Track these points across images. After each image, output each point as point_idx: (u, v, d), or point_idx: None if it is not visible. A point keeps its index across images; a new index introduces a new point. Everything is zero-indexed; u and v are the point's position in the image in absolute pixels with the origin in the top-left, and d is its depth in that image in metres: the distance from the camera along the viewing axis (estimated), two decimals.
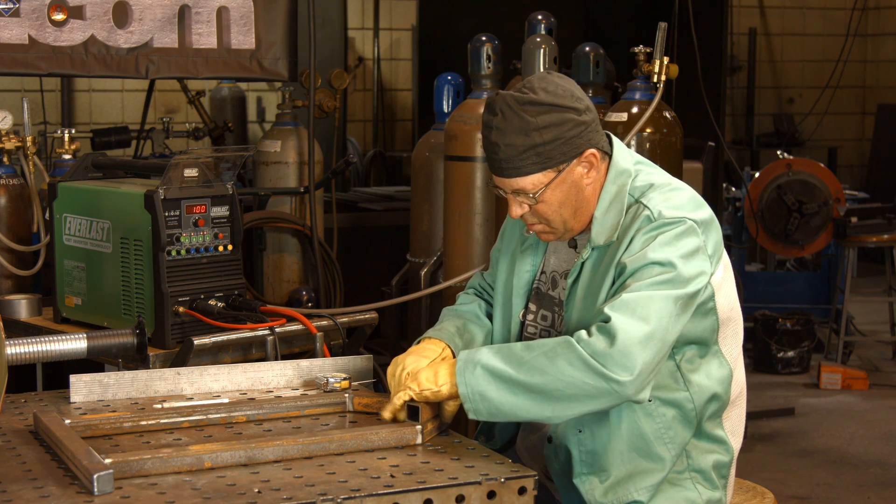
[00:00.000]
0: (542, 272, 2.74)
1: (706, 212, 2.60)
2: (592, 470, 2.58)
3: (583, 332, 2.45)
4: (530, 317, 2.75)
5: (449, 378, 2.51)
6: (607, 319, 2.43)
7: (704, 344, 2.61)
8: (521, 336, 2.76)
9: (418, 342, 2.76)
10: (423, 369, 2.55)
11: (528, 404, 2.46)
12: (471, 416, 2.50)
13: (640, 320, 2.42)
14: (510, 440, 2.83)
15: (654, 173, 2.65)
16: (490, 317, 2.86)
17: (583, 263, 2.61)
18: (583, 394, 2.42)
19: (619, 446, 2.57)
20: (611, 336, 2.41)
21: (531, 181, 2.53)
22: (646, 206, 2.54)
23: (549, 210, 2.57)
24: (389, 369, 2.67)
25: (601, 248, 2.59)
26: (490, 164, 2.56)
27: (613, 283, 2.54)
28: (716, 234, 2.60)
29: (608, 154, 2.62)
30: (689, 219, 2.53)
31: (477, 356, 2.49)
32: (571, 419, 2.53)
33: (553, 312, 2.71)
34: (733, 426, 2.70)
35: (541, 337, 2.72)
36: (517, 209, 2.59)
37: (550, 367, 2.42)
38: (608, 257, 2.57)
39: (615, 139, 2.65)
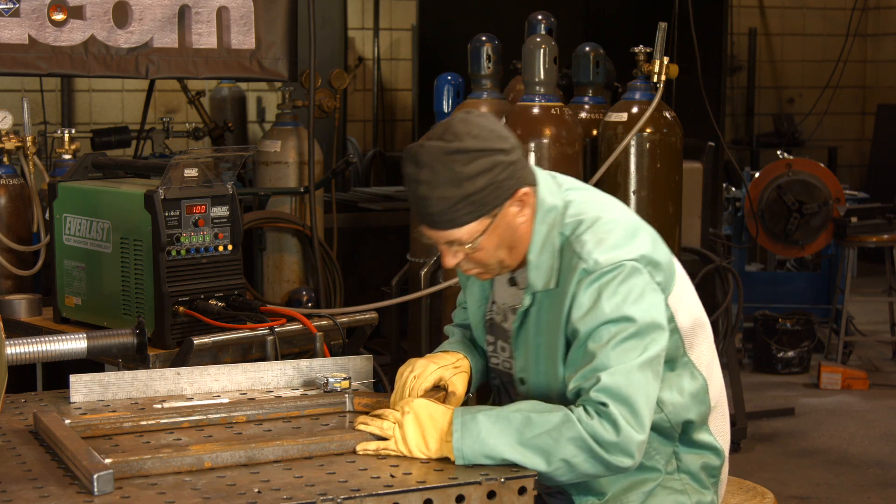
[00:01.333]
0: (494, 302, 2.70)
1: (643, 238, 2.53)
2: (589, 492, 2.57)
3: (582, 412, 2.38)
4: (490, 348, 2.71)
5: (438, 443, 2.39)
6: (604, 404, 2.37)
7: (671, 361, 2.57)
8: (487, 364, 2.74)
9: (437, 351, 2.74)
10: (412, 429, 2.40)
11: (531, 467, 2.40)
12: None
13: (634, 402, 2.38)
14: None
15: (583, 203, 2.55)
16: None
17: (526, 311, 2.56)
18: (581, 474, 2.41)
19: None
20: (615, 425, 2.36)
21: (466, 231, 2.43)
22: (580, 257, 2.46)
23: (486, 255, 2.49)
24: (401, 368, 2.66)
25: (541, 292, 2.52)
26: (420, 217, 2.46)
27: (567, 340, 2.48)
28: (660, 255, 2.53)
29: (535, 184, 2.52)
30: (627, 260, 2.45)
31: (475, 428, 2.38)
32: None
33: (509, 344, 2.66)
34: (718, 428, 2.68)
35: (504, 368, 2.69)
36: (451, 259, 2.50)
37: (554, 448, 2.36)
38: (552, 307, 2.50)
39: (538, 170, 2.55)
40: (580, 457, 2.37)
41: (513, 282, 2.64)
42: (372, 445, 2.42)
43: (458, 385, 2.64)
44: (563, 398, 2.49)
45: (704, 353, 2.64)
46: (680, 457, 2.62)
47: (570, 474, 2.39)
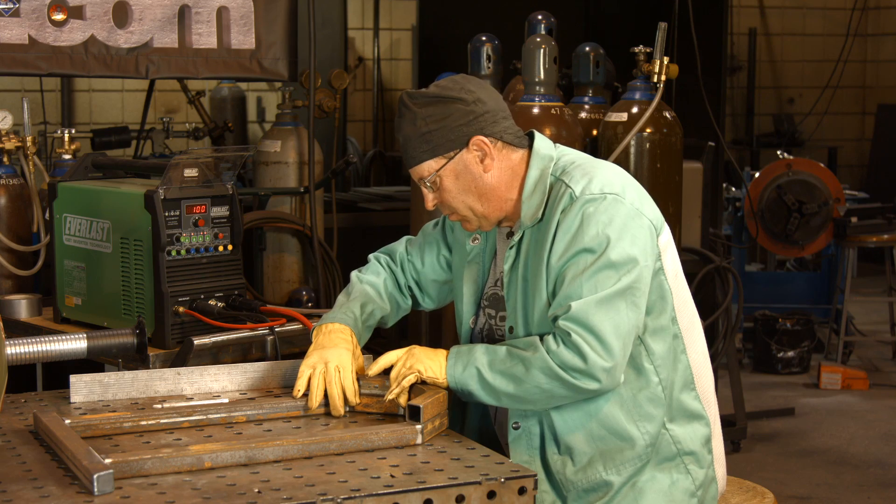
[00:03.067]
0: (497, 278, 2.79)
1: (632, 186, 2.66)
2: (561, 450, 2.63)
3: (551, 341, 2.55)
4: (491, 321, 2.80)
5: (438, 365, 2.66)
6: (568, 333, 2.52)
7: (656, 305, 2.65)
8: (472, 338, 2.86)
9: (319, 327, 2.83)
10: (426, 357, 2.66)
11: (507, 402, 2.63)
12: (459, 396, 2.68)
13: (599, 330, 2.51)
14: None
15: (577, 155, 2.73)
16: (395, 294, 2.98)
17: (517, 248, 2.69)
18: (557, 399, 2.58)
19: (588, 427, 2.62)
20: (580, 353, 2.52)
21: (426, 168, 2.66)
22: (567, 185, 2.62)
23: (452, 198, 2.68)
24: (307, 372, 2.72)
25: (531, 230, 2.67)
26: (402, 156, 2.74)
27: (548, 269, 2.61)
28: (648, 204, 2.66)
29: (521, 148, 2.70)
30: (611, 193, 2.59)
31: (467, 357, 2.63)
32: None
33: (501, 310, 2.79)
34: (705, 395, 2.72)
35: (498, 336, 2.80)
36: (429, 199, 2.71)
37: (527, 377, 2.55)
38: (539, 239, 2.65)
39: (537, 133, 2.75)
40: (550, 383, 2.53)
41: (510, 234, 2.76)
42: (395, 389, 2.63)
43: (359, 356, 2.80)
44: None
45: (682, 317, 2.70)
46: (677, 437, 2.63)
47: (542, 399, 2.57)
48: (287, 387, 2.90)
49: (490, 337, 2.80)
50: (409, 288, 3.00)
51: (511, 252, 2.69)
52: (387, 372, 2.71)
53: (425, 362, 2.65)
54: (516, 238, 2.69)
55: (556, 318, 2.56)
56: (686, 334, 2.69)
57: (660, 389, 2.62)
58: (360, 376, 2.74)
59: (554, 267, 2.60)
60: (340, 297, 2.94)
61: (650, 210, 2.66)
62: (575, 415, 2.62)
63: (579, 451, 2.61)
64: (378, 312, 2.93)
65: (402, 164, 9.25)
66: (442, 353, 2.67)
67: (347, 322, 2.84)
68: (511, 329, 2.70)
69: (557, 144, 2.77)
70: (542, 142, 2.74)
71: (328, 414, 2.70)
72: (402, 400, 2.63)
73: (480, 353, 2.61)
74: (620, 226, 2.56)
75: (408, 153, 2.68)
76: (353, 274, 2.98)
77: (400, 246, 3.03)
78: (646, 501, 2.61)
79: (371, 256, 3.02)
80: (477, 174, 2.66)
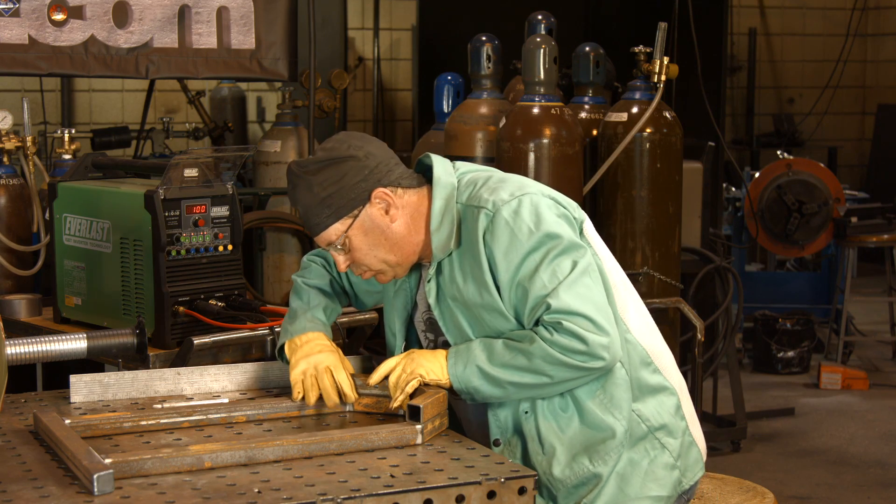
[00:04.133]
0: (428, 304, 2.78)
1: (535, 184, 2.69)
2: (545, 450, 2.63)
3: (545, 332, 2.55)
4: (431, 345, 2.81)
5: (439, 368, 2.65)
6: (559, 322, 2.54)
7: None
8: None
9: (292, 340, 2.80)
10: (426, 360, 2.64)
11: (514, 393, 2.62)
12: (463, 397, 2.66)
13: (585, 312, 2.54)
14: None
15: (476, 172, 2.74)
16: (339, 296, 2.96)
17: (436, 280, 2.70)
18: (566, 383, 2.59)
19: (568, 426, 2.63)
20: (578, 336, 2.53)
21: (333, 231, 2.66)
22: (479, 207, 2.63)
23: (363, 256, 2.68)
24: (304, 380, 2.73)
25: (447, 259, 2.68)
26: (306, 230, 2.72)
27: (494, 280, 2.61)
28: (559, 197, 2.68)
29: (415, 187, 2.70)
30: (519, 194, 2.61)
31: (466, 355, 2.62)
32: (515, 402, 2.66)
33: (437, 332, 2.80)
34: (663, 364, 2.73)
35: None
36: (341, 262, 2.71)
37: (531, 367, 2.56)
38: (465, 264, 2.65)
39: (434, 157, 2.74)
40: (554, 370, 2.55)
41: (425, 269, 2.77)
42: (401, 396, 2.61)
43: (348, 364, 2.80)
44: None
45: (629, 302, 2.73)
46: (643, 415, 2.65)
47: (550, 386, 2.58)
48: (287, 387, 2.90)
49: None
50: (345, 291, 2.99)
51: (431, 285, 2.70)
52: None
53: (426, 365, 2.64)
54: (432, 271, 2.70)
55: (538, 320, 2.58)
56: (623, 314, 2.70)
57: (623, 373, 2.65)
58: (358, 376, 2.75)
59: (508, 283, 2.60)
60: (296, 304, 2.90)
61: (564, 198, 2.69)
62: (553, 417, 2.63)
63: (562, 449, 2.62)
64: (334, 315, 2.94)
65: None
66: (441, 353, 2.66)
67: (319, 329, 2.84)
68: None
69: (454, 163, 2.77)
70: (440, 168, 2.73)
71: (328, 414, 2.70)
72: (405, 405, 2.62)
73: (478, 349, 2.62)
74: (546, 217, 2.59)
75: (311, 221, 2.67)
76: (297, 279, 2.95)
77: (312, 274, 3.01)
78: (630, 486, 2.63)
79: (306, 259, 3.00)
80: (384, 226, 2.67)
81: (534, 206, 2.60)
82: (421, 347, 2.82)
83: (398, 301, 2.83)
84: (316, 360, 2.74)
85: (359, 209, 2.65)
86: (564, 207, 2.66)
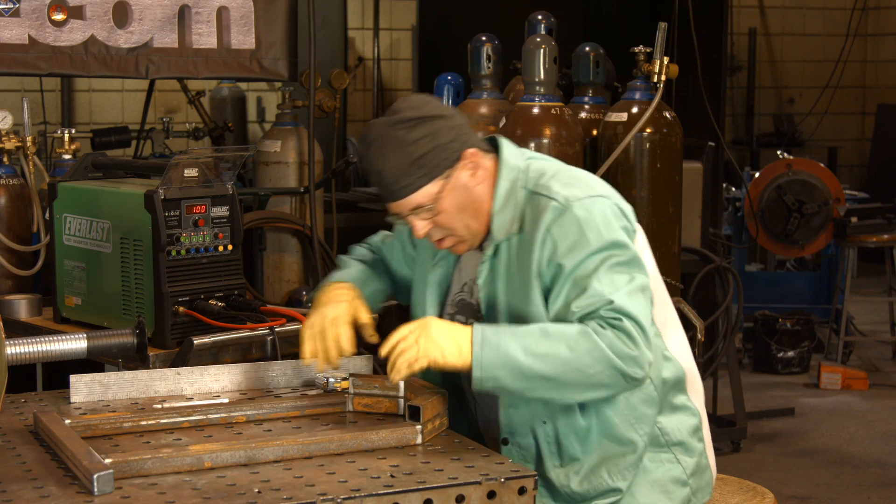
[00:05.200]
0: (465, 283, 2.74)
1: (606, 187, 2.66)
2: (563, 461, 2.59)
3: (598, 326, 2.44)
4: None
5: (457, 349, 2.48)
6: (619, 319, 2.44)
7: None
8: None
9: (318, 290, 2.80)
10: (444, 338, 2.49)
11: (538, 388, 2.47)
12: (473, 387, 2.50)
13: (641, 321, 2.45)
14: None
15: (545, 162, 2.68)
16: (384, 275, 2.93)
17: (491, 262, 2.63)
18: (597, 385, 2.46)
19: (587, 434, 2.59)
20: (632, 340, 2.43)
21: (424, 194, 2.55)
22: (549, 198, 2.56)
23: (450, 219, 2.59)
24: (305, 332, 2.70)
25: (506, 243, 2.61)
26: (381, 193, 2.58)
27: (541, 280, 2.54)
28: (625, 204, 2.66)
29: (491, 152, 2.64)
30: (595, 195, 2.57)
31: (493, 339, 2.45)
32: (532, 406, 2.58)
33: (478, 320, 2.70)
34: (693, 387, 2.72)
35: None
36: (421, 227, 2.60)
37: (571, 358, 2.42)
38: (519, 251, 2.58)
39: (503, 139, 2.68)
40: (597, 367, 2.42)
41: (480, 248, 2.69)
42: (404, 367, 2.48)
43: (364, 315, 2.75)
44: None
45: (668, 319, 2.72)
46: (664, 429, 2.63)
47: (583, 384, 2.44)
48: (287, 387, 2.90)
49: None
50: (387, 271, 2.96)
51: (484, 267, 2.63)
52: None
53: (443, 346, 2.47)
54: (489, 252, 2.62)
55: (592, 312, 2.46)
56: (663, 331, 2.68)
57: (651, 388, 2.61)
58: (359, 376, 2.74)
59: (564, 276, 2.50)
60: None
61: (626, 205, 2.67)
62: (572, 427, 2.59)
63: (581, 461, 2.58)
64: (372, 282, 2.87)
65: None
66: (463, 332, 2.48)
67: (344, 278, 2.81)
68: None
69: (524, 150, 2.71)
70: (509, 150, 2.66)
71: (328, 414, 2.70)
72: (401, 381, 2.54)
73: (509, 335, 2.45)
74: (615, 225, 2.54)
75: (399, 183, 2.53)
76: (342, 257, 2.95)
77: (377, 237, 3.01)
78: (641, 493, 2.61)
79: (353, 246, 2.99)
80: (471, 187, 2.59)
81: (605, 211, 2.55)
82: None
83: (434, 276, 2.76)
84: (324, 312, 2.69)
85: (450, 170, 2.56)
86: (628, 220, 2.62)
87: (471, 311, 2.72)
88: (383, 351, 2.55)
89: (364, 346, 2.90)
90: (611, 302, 2.45)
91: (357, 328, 2.75)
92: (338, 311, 2.71)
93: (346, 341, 2.68)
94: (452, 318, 2.74)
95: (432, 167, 2.53)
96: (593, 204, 2.55)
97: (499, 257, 2.62)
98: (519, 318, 2.57)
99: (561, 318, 2.50)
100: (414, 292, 2.84)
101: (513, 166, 2.62)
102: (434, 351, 2.48)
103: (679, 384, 2.68)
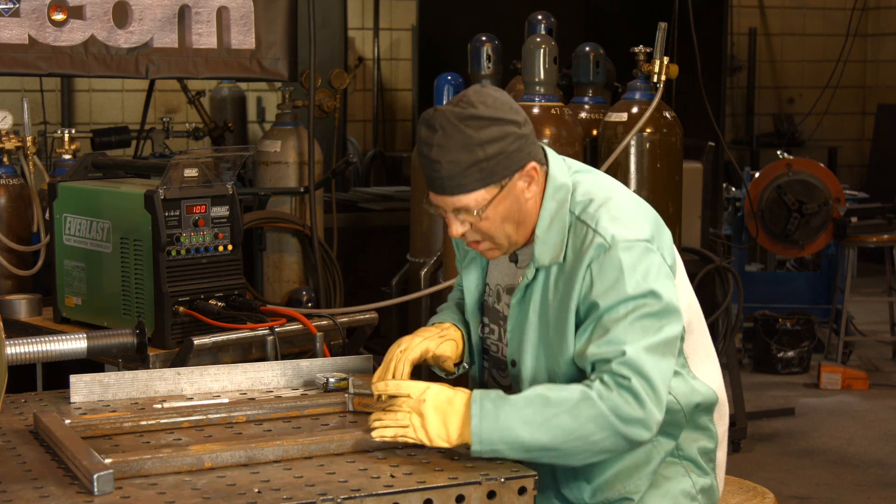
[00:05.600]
0: (487, 285, 2.71)
1: (651, 217, 2.55)
2: (577, 478, 2.56)
3: (601, 387, 2.37)
4: (485, 331, 2.72)
5: (459, 429, 2.39)
6: (627, 377, 2.36)
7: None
8: (483, 350, 2.74)
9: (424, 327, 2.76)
10: (438, 419, 2.40)
11: (540, 457, 2.40)
12: (472, 456, 2.40)
13: (654, 380, 2.38)
14: None
15: (593, 184, 2.57)
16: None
17: (528, 285, 2.55)
18: (601, 451, 2.41)
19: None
20: (639, 401, 2.36)
21: (474, 198, 2.44)
22: (595, 231, 2.46)
23: (493, 226, 2.49)
24: (391, 347, 2.67)
25: (546, 268, 2.52)
26: (430, 182, 2.47)
27: (578, 316, 2.47)
28: (666, 237, 2.55)
29: (545, 165, 2.55)
30: (643, 240, 2.46)
31: (493, 411, 2.37)
32: None
33: (499, 326, 2.67)
34: (720, 412, 2.70)
35: (494, 351, 2.70)
36: (458, 228, 2.50)
37: (573, 427, 2.36)
38: (560, 282, 2.50)
39: (549, 150, 2.58)
40: (600, 434, 2.36)
41: (513, 258, 2.63)
42: (389, 432, 2.41)
43: (447, 350, 2.66)
44: (559, 380, 2.49)
45: (699, 346, 2.65)
46: (679, 444, 2.62)
47: (586, 452, 2.39)
48: (287, 387, 2.90)
49: (493, 348, 2.71)
50: None
51: (521, 288, 2.56)
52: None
53: (432, 430, 2.38)
54: (530, 275, 2.53)
55: (596, 363, 2.41)
56: (694, 357, 2.62)
57: (681, 416, 2.57)
58: (359, 376, 2.74)
59: (593, 318, 2.44)
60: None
61: (667, 237, 2.56)
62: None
63: (596, 473, 2.55)
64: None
65: (402, 165, 9.27)
66: (456, 413, 2.39)
67: (445, 319, 2.74)
68: (514, 363, 2.60)
69: (566, 160, 2.61)
70: (556, 166, 2.55)
71: (328, 414, 2.70)
72: (377, 434, 2.43)
73: (510, 406, 2.36)
74: (656, 273, 2.44)
75: (453, 180, 2.42)
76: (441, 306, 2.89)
77: (451, 298, 2.92)
78: (650, 501, 2.60)
79: (449, 296, 2.91)
80: (522, 201, 2.49)
81: (648, 259, 2.44)
82: (481, 328, 2.69)
83: (470, 276, 2.70)
84: (402, 340, 2.65)
85: (507, 179, 2.44)
86: (669, 253, 2.53)
87: (494, 315, 2.68)
88: (378, 390, 2.49)
89: (365, 347, 2.89)
90: (623, 354, 2.37)
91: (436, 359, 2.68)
92: (410, 342, 2.64)
93: (388, 371, 2.62)
94: (482, 320, 2.71)
95: (490, 173, 2.42)
96: (636, 250, 2.44)
97: (537, 282, 2.54)
98: (547, 344, 2.52)
99: (580, 356, 2.45)
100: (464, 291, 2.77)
101: (560, 185, 2.53)
102: (422, 435, 2.39)
103: (709, 409, 2.64)
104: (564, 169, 2.57)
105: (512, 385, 2.63)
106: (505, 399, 2.38)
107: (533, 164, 2.47)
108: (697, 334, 2.66)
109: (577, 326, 2.48)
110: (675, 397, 2.56)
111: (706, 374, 2.66)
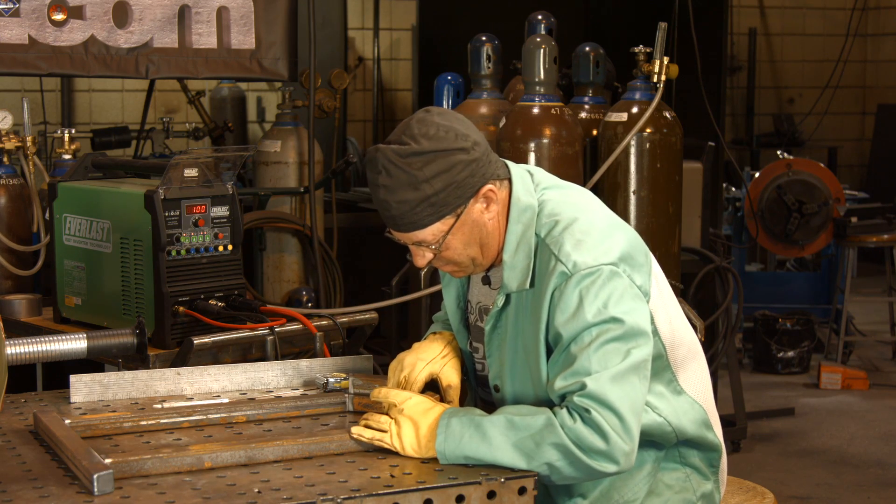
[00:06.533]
0: (469, 302, 2.68)
1: (621, 237, 2.48)
2: (572, 495, 2.54)
3: (566, 416, 2.34)
4: (471, 347, 2.70)
5: (427, 443, 2.39)
6: (587, 410, 2.33)
7: (655, 367, 2.52)
8: (474, 366, 2.71)
9: (425, 337, 2.74)
10: (407, 425, 2.41)
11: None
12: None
13: (619, 409, 2.33)
14: None
15: (561, 203, 2.51)
16: None
17: (500, 312, 2.52)
18: (566, 477, 2.38)
19: None
20: (601, 433, 2.32)
21: (430, 232, 2.42)
22: (557, 259, 2.42)
23: (455, 254, 2.47)
24: (391, 366, 2.66)
25: (515, 293, 2.50)
26: (385, 220, 2.44)
27: (547, 344, 2.44)
28: (638, 256, 2.48)
29: (507, 179, 2.49)
30: (606, 263, 2.41)
31: (458, 431, 2.37)
32: None
33: (483, 345, 2.64)
34: (715, 425, 2.68)
35: (478, 369, 2.68)
36: (421, 259, 2.48)
37: (536, 452, 2.34)
38: (529, 308, 2.47)
39: (512, 166, 2.52)
40: (562, 461, 2.33)
41: (486, 280, 2.61)
42: (367, 434, 2.42)
43: (452, 376, 2.63)
44: (541, 404, 2.45)
45: (688, 360, 2.60)
46: (682, 453, 2.61)
47: (553, 477, 2.36)
48: (287, 387, 2.90)
49: (478, 366, 2.68)
50: None
51: (493, 315, 2.54)
52: (387, 371, 2.70)
53: (405, 440, 2.39)
54: (500, 302, 2.50)
55: (564, 395, 2.38)
56: (682, 369, 2.58)
57: (672, 435, 2.55)
58: (359, 376, 2.75)
59: (559, 347, 2.42)
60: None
61: (640, 255, 2.49)
62: None
63: (587, 487, 2.53)
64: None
65: None
66: (429, 431, 2.39)
67: (445, 329, 2.73)
68: (497, 388, 2.58)
69: (535, 174, 2.54)
70: (520, 183, 2.49)
71: (328, 414, 2.70)
72: (355, 431, 2.46)
73: (474, 428, 2.36)
74: (619, 297, 2.39)
75: (404, 220, 2.40)
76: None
77: (437, 318, 2.89)
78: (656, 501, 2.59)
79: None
80: (482, 223, 2.45)
81: (611, 284, 2.38)
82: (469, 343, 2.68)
83: (450, 295, 2.68)
84: (405, 360, 2.63)
85: (462, 207, 2.42)
86: (640, 272, 2.46)
87: (478, 334, 2.66)
88: (371, 397, 2.55)
89: (365, 347, 2.89)
90: (584, 387, 2.33)
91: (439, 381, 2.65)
92: (414, 371, 2.60)
93: (390, 384, 2.62)
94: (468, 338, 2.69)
95: (442, 206, 2.39)
96: (598, 277, 2.39)
97: (508, 308, 2.52)
98: (527, 369, 2.50)
99: (550, 389, 2.41)
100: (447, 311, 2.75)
101: (525, 206, 2.48)
102: (396, 443, 2.40)
103: (706, 423, 2.60)
104: (531, 186, 2.52)
105: (496, 406, 2.59)
106: (472, 420, 2.37)
107: (488, 186, 2.43)
108: (685, 346, 2.60)
109: (550, 353, 2.46)
110: (665, 417, 2.53)
111: (697, 383, 2.62)
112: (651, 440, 2.55)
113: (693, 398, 2.59)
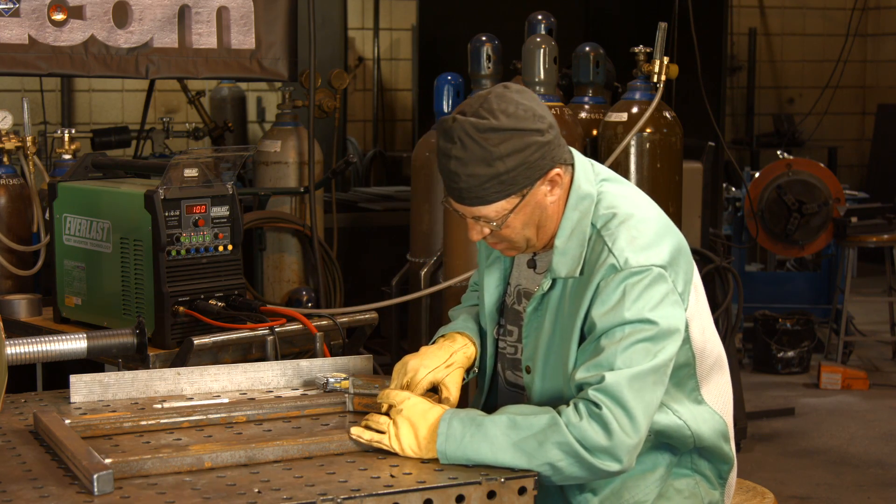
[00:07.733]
0: (509, 284, 2.68)
1: (672, 241, 2.50)
2: (583, 490, 2.54)
3: (572, 414, 2.35)
4: (503, 331, 2.69)
5: (427, 443, 2.38)
6: (598, 405, 2.34)
7: (681, 374, 2.53)
8: (497, 353, 2.71)
9: (434, 340, 2.72)
10: (405, 426, 2.40)
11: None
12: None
13: (632, 407, 2.34)
14: None
15: (619, 197, 2.53)
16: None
17: (544, 295, 2.53)
18: (568, 477, 2.38)
19: None
20: (606, 429, 2.33)
21: (494, 209, 2.42)
22: (610, 251, 2.43)
23: (513, 233, 2.47)
24: (396, 368, 2.65)
25: (563, 279, 2.50)
26: (449, 191, 2.44)
27: (581, 332, 2.45)
28: (683, 261, 2.50)
29: (571, 164, 2.52)
30: (656, 266, 2.42)
31: (459, 432, 2.36)
32: None
33: (518, 328, 2.65)
34: (731, 437, 2.69)
35: (509, 353, 2.68)
36: (477, 234, 2.48)
37: (538, 452, 2.33)
38: (573, 294, 2.48)
39: (577, 154, 2.55)
40: (565, 461, 2.33)
41: (531, 264, 2.62)
42: (366, 435, 2.42)
43: (452, 387, 2.61)
44: (571, 391, 2.46)
45: (716, 386, 2.61)
46: (694, 458, 2.61)
47: (555, 477, 2.36)
48: (287, 387, 2.90)
49: (509, 350, 2.68)
50: None
51: (537, 297, 2.53)
52: (388, 372, 2.70)
53: (404, 440, 2.39)
54: (546, 286, 2.51)
55: (582, 386, 2.38)
56: (704, 380, 2.58)
57: (691, 440, 2.55)
58: (359, 376, 2.75)
59: (588, 329, 2.43)
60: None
61: (684, 270, 2.49)
62: None
63: (599, 485, 2.52)
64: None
65: (402, 165, 9.27)
66: (429, 431, 2.39)
67: (458, 328, 2.70)
68: (528, 369, 2.57)
69: (595, 165, 2.56)
70: (582, 172, 2.51)
71: (328, 414, 2.70)
72: (354, 432, 2.45)
73: (476, 427, 2.35)
74: (659, 301, 2.40)
75: (472, 193, 2.39)
76: (452, 309, 2.85)
77: (465, 300, 2.88)
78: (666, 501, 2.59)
79: (463, 297, 2.87)
80: (544, 206, 2.46)
81: (656, 287, 2.40)
82: (497, 330, 2.66)
83: (492, 277, 2.67)
84: (412, 366, 2.60)
85: (528, 188, 2.41)
86: (682, 278, 2.46)
87: (514, 317, 2.65)
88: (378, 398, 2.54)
89: (365, 347, 2.89)
90: (603, 380, 2.34)
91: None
92: (416, 376, 2.58)
93: (392, 384, 2.61)
94: (499, 321, 2.68)
95: (511, 184, 2.39)
96: (644, 277, 2.40)
97: (553, 292, 2.52)
98: (559, 354, 2.50)
99: (573, 374, 2.42)
100: (480, 291, 2.73)
101: (584, 194, 2.49)
102: (395, 444, 2.39)
103: (725, 436, 2.60)
104: (591, 176, 2.53)
105: (525, 389, 2.61)
106: (473, 420, 2.37)
107: (556, 170, 2.45)
108: (714, 359, 2.60)
109: (581, 341, 2.47)
110: (685, 421, 2.53)
111: (721, 397, 2.62)
112: (668, 443, 2.55)
113: (713, 409, 2.59)
